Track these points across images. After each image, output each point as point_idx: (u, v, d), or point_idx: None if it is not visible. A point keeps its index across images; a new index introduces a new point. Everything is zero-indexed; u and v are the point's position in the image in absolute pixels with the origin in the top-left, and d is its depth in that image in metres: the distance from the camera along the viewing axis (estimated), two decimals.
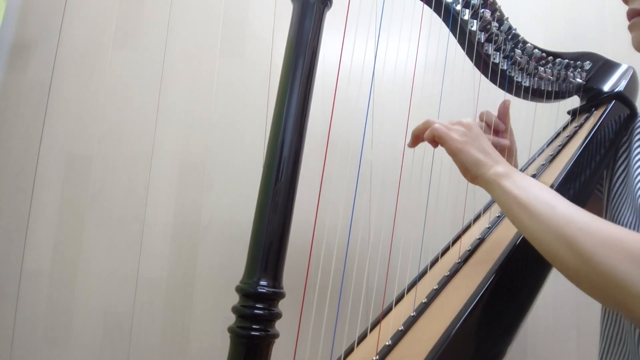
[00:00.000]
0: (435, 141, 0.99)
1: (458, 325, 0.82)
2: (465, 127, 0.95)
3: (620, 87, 1.18)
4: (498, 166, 0.88)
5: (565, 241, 0.71)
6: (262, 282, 0.67)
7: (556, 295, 1.58)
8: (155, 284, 1.50)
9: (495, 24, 1.10)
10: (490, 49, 1.12)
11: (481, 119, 1.16)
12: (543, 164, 1.15)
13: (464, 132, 0.94)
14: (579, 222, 0.72)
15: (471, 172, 0.91)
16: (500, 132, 1.18)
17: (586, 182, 1.05)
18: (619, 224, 0.95)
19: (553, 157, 1.15)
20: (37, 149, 1.55)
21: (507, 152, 1.17)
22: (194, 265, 1.52)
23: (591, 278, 0.68)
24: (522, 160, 1.29)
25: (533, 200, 0.79)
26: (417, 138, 1.04)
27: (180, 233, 1.54)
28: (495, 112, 1.17)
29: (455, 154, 0.93)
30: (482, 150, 0.92)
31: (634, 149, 0.99)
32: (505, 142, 1.17)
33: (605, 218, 1.02)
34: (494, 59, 1.13)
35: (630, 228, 0.91)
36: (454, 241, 1.12)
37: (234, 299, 0.68)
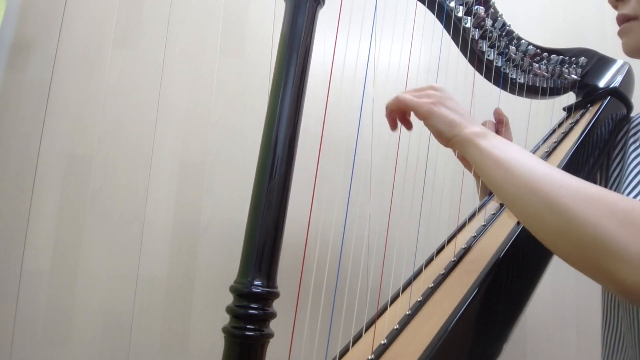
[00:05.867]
0: (408, 121, 0.98)
1: (453, 322, 0.82)
2: (436, 90, 0.93)
3: (616, 82, 1.18)
4: (472, 126, 0.86)
5: (544, 199, 0.69)
6: (256, 282, 0.67)
7: (555, 295, 1.58)
8: (155, 284, 1.50)
9: (489, 20, 1.10)
10: (484, 45, 1.11)
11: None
12: None
13: (434, 94, 0.92)
14: (559, 179, 0.70)
15: (444, 133, 0.89)
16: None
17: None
18: None
19: (549, 154, 1.15)
20: (37, 149, 1.56)
21: None
22: (193, 265, 1.52)
23: (571, 238, 0.66)
24: None
25: (510, 158, 0.77)
26: (391, 117, 1.01)
27: (180, 233, 1.54)
28: (492, 109, 1.18)
29: (427, 117, 0.91)
30: (454, 111, 0.90)
31: (628, 153, 0.98)
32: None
33: None
34: (489, 55, 1.12)
35: None
36: (449, 240, 1.12)
37: None
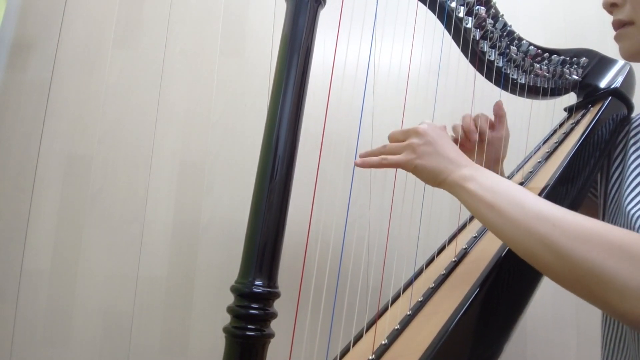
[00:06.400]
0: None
1: (454, 323, 0.82)
2: (418, 137, 0.93)
3: (617, 83, 1.18)
4: (460, 169, 0.87)
5: (539, 239, 0.70)
6: (257, 282, 0.68)
7: (556, 295, 1.58)
8: (155, 284, 1.50)
9: (490, 20, 1.10)
10: (485, 46, 1.11)
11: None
12: (539, 162, 1.15)
13: (416, 144, 0.92)
14: (551, 217, 0.70)
15: (431, 182, 0.91)
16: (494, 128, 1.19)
17: (581, 181, 1.05)
18: None
19: (550, 154, 1.15)
20: (37, 149, 1.55)
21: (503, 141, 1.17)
22: (193, 265, 1.52)
23: (570, 275, 0.67)
24: (518, 157, 1.28)
25: (500, 200, 0.77)
26: (369, 162, 1.00)
27: (180, 233, 1.54)
28: (492, 110, 1.17)
29: (413, 172, 0.93)
30: (439, 157, 0.90)
31: (629, 154, 0.98)
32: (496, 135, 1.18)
33: None
34: (490, 56, 1.12)
35: None
36: (450, 240, 1.12)
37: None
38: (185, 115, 1.62)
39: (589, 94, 1.23)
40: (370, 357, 0.86)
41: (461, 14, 1.08)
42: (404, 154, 0.93)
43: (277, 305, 0.69)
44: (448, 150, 0.91)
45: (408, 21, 1.09)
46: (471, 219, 1.17)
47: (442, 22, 1.09)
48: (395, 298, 1.03)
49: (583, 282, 0.66)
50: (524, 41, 1.16)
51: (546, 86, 1.21)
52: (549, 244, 0.69)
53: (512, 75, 1.16)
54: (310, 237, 1.45)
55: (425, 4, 1.07)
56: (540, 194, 0.99)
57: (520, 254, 0.75)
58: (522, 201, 0.75)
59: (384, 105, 1.65)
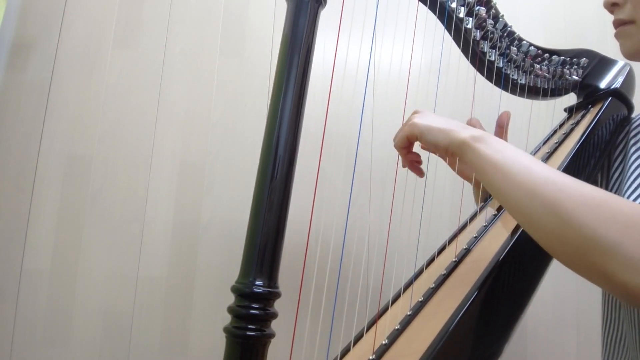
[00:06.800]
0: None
1: (455, 323, 0.82)
2: (417, 115, 0.93)
3: (617, 84, 1.18)
4: (469, 130, 0.85)
5: (543, 203, 0.68)
6: (258, 282, 0.67)
7: (556, 295, 1.58)
8: (155, 284, 1.50)
9: (490, 21, 1.10)
10: (485, 46, 1.11)
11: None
12: None
13: (418, 117, 0.92)
14: (559, 182, 0.69)
15: (440, 142, 0.87)
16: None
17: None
18: None
19: (550, 155, 1.15)
20: (37, 149, 1.55)
21: None
22: (193, 265, 1.52)
23: (572, 242, 0.65)
24: None
25: (509, 161, 0.76)
26: (411, 164, 1.05)
27: (180, 233, 1.54)
28: (493, 110, 1.17)
29: (421, 134, 0.90)
30: (443, 122, 0.89)
31: (629, 155, 0.97)
32: None
33: None
34: (490, 56, 1.12)
35: None
36: (450, 240, 1.11)
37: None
38: (185, 115, 1.62)
39: (589, 95, 1.22)
40: (370, 357, 0.86)
41: (461, 15, 1.08)
42: (410, 122, 0.93)
43: (278, 305, 0.69)
44: (451, 119, 0.90)
45: (408, 22, 1.09)
46: (472, 219, 1.17)
47: (443, 23, 1.09)
48: (396, 298, 1.02)
49: (584, 252, 0.64)
50: (524, 42, 1.16)
51: (546, 87, 1.21)
52: (554, 208, 0.67)
53: (513, 75, 1.16)
54: (310, 237, 1.45)
55: (425, 5, 1.07)
56: None
57: (521, 218, 0.74)
58: (530, 165, 0.74)
59: (384, 105, 1.65)
